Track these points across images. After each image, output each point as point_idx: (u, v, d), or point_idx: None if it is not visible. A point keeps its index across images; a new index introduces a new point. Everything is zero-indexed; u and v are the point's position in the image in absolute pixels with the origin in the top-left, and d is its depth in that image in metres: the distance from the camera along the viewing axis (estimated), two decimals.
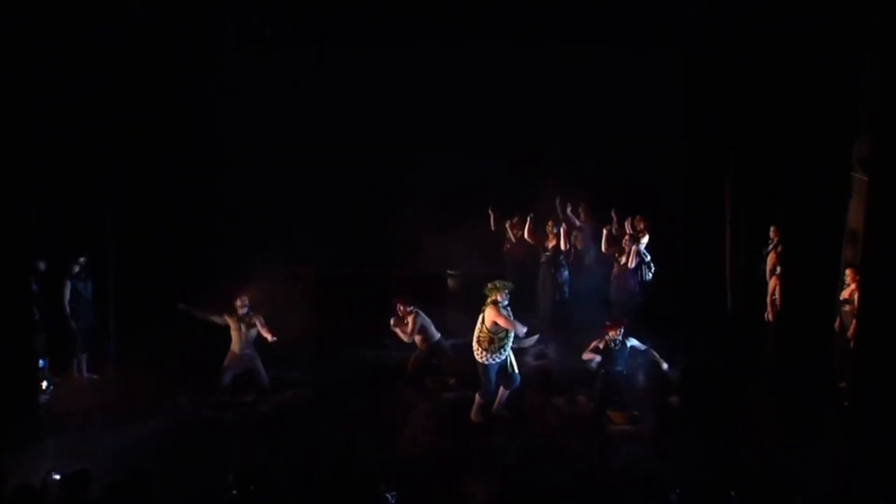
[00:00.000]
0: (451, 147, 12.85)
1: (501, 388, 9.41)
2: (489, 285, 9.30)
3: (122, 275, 10.90)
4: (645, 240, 11.72)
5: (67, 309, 10.31)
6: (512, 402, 9.53)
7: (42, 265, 10.05)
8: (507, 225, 12.88)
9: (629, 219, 11.87)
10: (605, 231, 12.10)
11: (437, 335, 10.75)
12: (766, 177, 10.29)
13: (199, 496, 5.90)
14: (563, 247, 12.23)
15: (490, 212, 12.96)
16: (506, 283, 9.34)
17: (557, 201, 12.66)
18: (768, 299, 10.19)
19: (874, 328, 7.63)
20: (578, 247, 12.67)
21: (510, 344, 9.31)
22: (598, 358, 9.60)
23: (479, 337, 9.28)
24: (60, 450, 8.42)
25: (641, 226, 11.81)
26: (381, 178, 13.45)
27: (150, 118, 11.19)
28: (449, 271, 13.35)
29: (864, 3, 7.89)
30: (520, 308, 9.81)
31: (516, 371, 9.40)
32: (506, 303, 9.24)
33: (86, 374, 10.60)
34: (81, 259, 10.41)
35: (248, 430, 9.47)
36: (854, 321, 8.63)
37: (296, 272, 12.73)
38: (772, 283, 10.12)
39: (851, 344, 8.65)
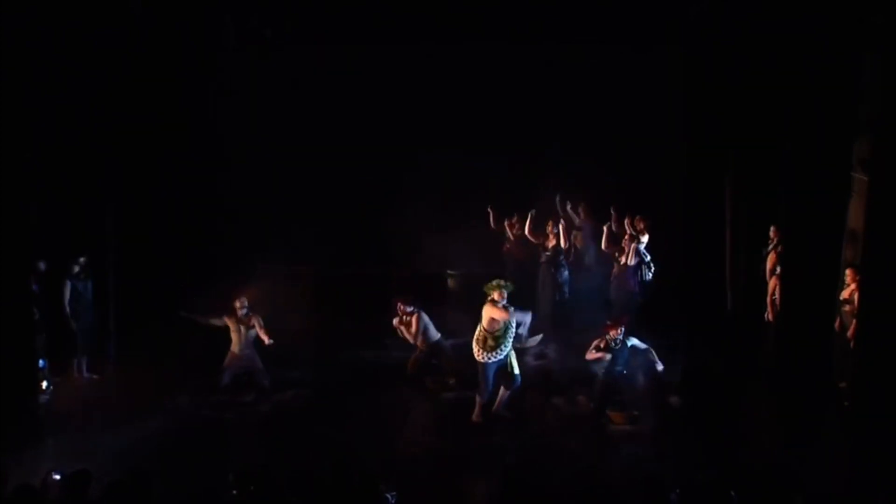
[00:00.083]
0: (451, 147, 12.84)
1: (502, 389, 9.42)
2: (489, 284, 9.33)
3: (122, 275, 10.90)
4: (645, 239, 11.71)
5: (67, 309, 10.32)
6: (512, 402, 9.54)
7: (42, 265, 10.06)
8: (505, 224, 12.89)
9: (628, 216, 11.87)
10: (605, 229, 12.09)
11: (437, 335, 10.75)
12: (766, 177, 10.29)
13: (199, 496, 5.89)
14: (562, 244, 12.22)
15: (489, 210, 12.97)
16: (506, 283, 9.36)
17: (557, 198, 12.67)
18: (768, 299, 10.19)
19: (874, 328, 7.63)
20: (578, 246, 12.67)
21: (509, 343, 9.31)
22: (607, 356, 9.56)
23: (477, 336, 9.35)
24: (60, 450, 8.42)
25: (641, 226, 11.81)
26: (381, 178, 13.44)
27: (150, 118, 11.19)
28: (449, 271, 13.35)
29: (864, 3, 7.89)
30: (520, 308, 9.80)
31: (516, 371, 9.41)
32: (504, 302, 9.26)
33: (86, 374, 10.60)
34: (81, 259, 10.42)
35: (248, 430, 9.48)
36: (854, 321, 8.63)
37: (296, 272, 12.72)
38: (772, 283, 10.12)
39: (851, 344, 8.65)
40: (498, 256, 12.88)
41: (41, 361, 9.74)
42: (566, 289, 12.38)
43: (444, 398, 10.16)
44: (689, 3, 11.01)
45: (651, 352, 9.67)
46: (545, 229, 12.41)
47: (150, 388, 9.90)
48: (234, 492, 6.06)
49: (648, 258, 11.72)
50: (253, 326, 10.25)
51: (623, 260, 11.70)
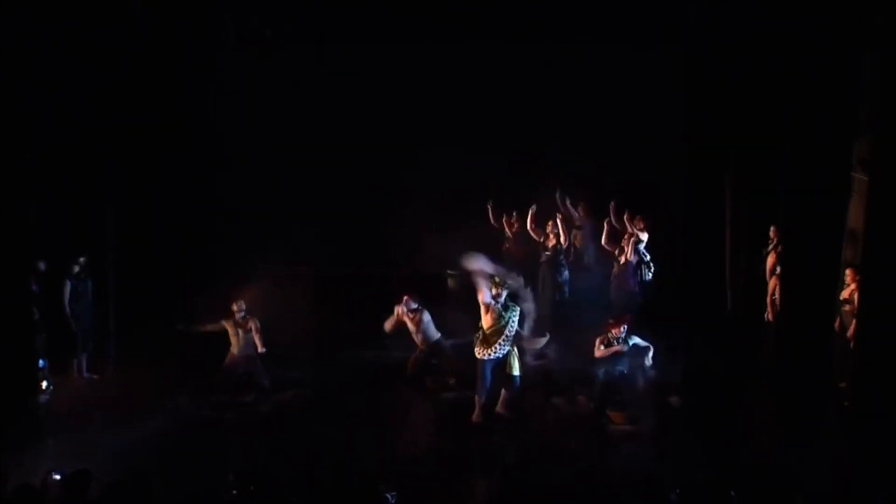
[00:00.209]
0: (451, 147, 12.84)
1: (503, 390, 9.43)
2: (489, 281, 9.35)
3: (122, 275, 10.91)
4: (644, 237, 11.71)
5: (67, 309, 10.31)
6: (512, 402, 9.53)
7: (42, 265, 10.05)
8: (504, 221, 12.91)
9: (628, 213, 11.88)
10: (605, 225, 12.08)
11: (437, 335, 10.75)
12: (766, 177, 10.30)
13: (199, 496, 5.89)
14: (562, 240, 12.23)
15: (489, 207, 12.98)
16: (503, 280, 9.37)
17: (557, 194, 12.70)
18: (768, 299, 10.19)
19: (874, 328, 7.63)
20: (578, 245, 12.68)
21: (507, 342, 9.31)
22: (624, 347, 9.48)
23: (477, 333, 9.39)
24: (60, 450, 8.41)
25: (641, 225, 11.81)
26: (381, 178, 13.43)
27: (150, 118, 11.20)
28: (449, 271, 13.32)
29: (864, 3, 7.89)
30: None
31: (515, 373, 9.40)
32: (502, 299, 9.28)
33: (86, 374, 10.61)
34: (81, 259, 10.41)
35: (248, 430, 9.48)
36: (854, 321, 8.62)
37: (296, 272, 12.71)
38: (772, 283, 10.12)
39: (851, 344, 8.64)
40: (498, 257, 12.88)
41: (41, 361, 9.73)
42: (566, 289, 12.39)
43: (444, 398, 10.15)
44: (689, 3, 11.01)
45: (650, 349, 9.65)
46: (545, 228, 12.43)
47: (150, 388, 9.90)
48: (234, 492, 6.06)
49: (648, 258, 11.72)
50: (250, 330, 10.24)
51: (623, 259, 11.70)
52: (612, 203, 12.15)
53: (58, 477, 6.42)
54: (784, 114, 9.05)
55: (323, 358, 11.31)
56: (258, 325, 10.26)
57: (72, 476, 6.10)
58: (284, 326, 10.60)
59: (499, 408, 9.48)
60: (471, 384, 9.67)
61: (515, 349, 9.44)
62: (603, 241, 12.02)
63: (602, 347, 9.61)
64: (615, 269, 11.86)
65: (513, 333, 9.36)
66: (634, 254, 11.61)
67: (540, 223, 12.54)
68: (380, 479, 6.22)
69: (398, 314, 10.75)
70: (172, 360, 10.43)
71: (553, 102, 12.98)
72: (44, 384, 9.78)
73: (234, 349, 10.30)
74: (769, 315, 10.17)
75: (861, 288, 8.18)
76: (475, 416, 9.42)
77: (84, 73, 10.11)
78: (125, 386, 10.02)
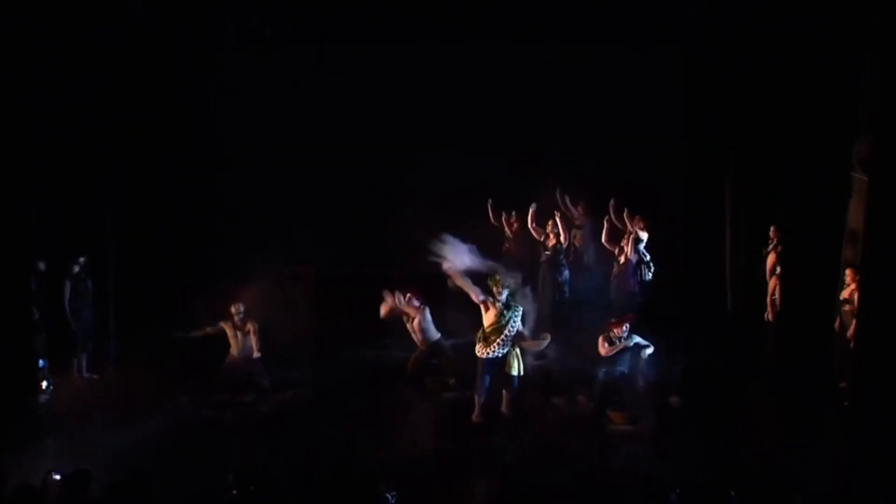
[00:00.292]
0: (451, 147, 12.82)
1: (504, 390, 9.43)
2: (489, 280, 9.39)
3: (122, 275, 10.91)
4: (644, 236, 11.71)
5: (67, 309, 10.31)
6: (512, 402, 9.53)
7: (42, 265, 10.05)
8: (503, 220, 12.92)
9: (626, 209, 11.88)
10: (605, 222, 12.07)
11: (437, 335, 10.75)
12: (766, 177, 10.30)
13: (199, 496, 5.89)
14: (562, 239, 12.23)
15: (489, 206, 12.99)
16: (502, 278, 9.38)
17: (557, 192, 12.71)
18: (768, 299, 10.18)
19: (874, 328, 7.64)
20: (577, 245, 12.68)
21: (506, 342, 9.31)
22: (629, 344, 9.47)
23: (479, 332, 9.41)
24: (60, 450, 8.43)
25: (641, 224, 11.81)
26: (381, 178, 13.42)
27: (150, 118, 11.20)
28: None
29: (864, 3, 7.89)
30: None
31: (514, 373, 9.39)
32: (503, 298, 9.29)
33: (86, 374, 10.61)
34: (81, 259, 10.41)
35: (248, 430, 9.48)
36: (854, 321, 8.63)
37: (296, 272, 12.69)
38: (772, 283, 10.12)
39: (851, 344, 8.65)
40: (498, 256, 12.88)
41: (41, 361, 9.74)
42: (566, 289, 12.38)
43: (444, 398, 10.15)
44: (689, 3, 11.01)
45: (649, 347, 9.61)
46: (546, 228, 12.43)
47: (150, 388, 9.91)
48: (234, 492, 6.06)
49: (648, 258, 11.71)
50: (249, 332, 10.24)
51: (623, 259, 11.69)
52: (612, 201, 12.15)
53: (58, 477, 6.42)
54: (784, 114, 9.05)
55: (323, 358, 11.30)
56: (256, 327, 10.25)
57: (72, 476, 6.11)
58: (284, 326, 10.61)
59: (503, 408, 9.48)
60: (471, 384, 9.67)
61: (517, 349, 9.44)
62: (603, 239, 12.00)
63: (606, 345, 9.59)
64: (615, 269, 11.86)
65: (514, 333, 9.36)
66: (634, 253, 11.60)
67: (540, 222, 12.54)
68: (380, 479, 6.23)
69: (393, 302, 10.72)
70: (172, 360, 10.43)
71: (553, 102, 12.97)
72: (44, 384, 9.78)
73: (234, 351, 10.29)
74: (769, 315, 10.17)
75: (861, 288, 8.19)
76: (475, 415, 9.43)
77: (84, 73, 10.11)
78: (125, 386, 10.03)
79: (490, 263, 9.82)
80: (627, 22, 11.40)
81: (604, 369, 9.58)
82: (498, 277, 9.39)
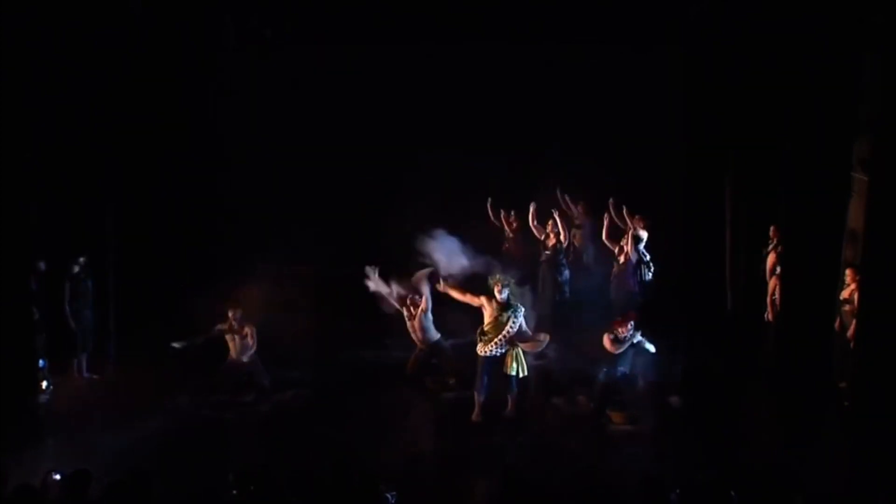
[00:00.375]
0: (451, 147, 12.83)
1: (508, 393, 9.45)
2: (489, 279, 9.40)
3: (122, 275, 10.91)
4: (644, 236, 11.71)
5: (67, 309, 10.32)
6: (513, 402, 9.53)
7: (42, 265, 10.05)
8: (503, 219, 12.92)
9: (625, 208, 11.87)
10: (605, 221, 12.07)
11: (437, 335, 10.75)
12: (766, 177, 10.30)
13: (199, 496, 5.90)
14: (562, 238, 12.23)
15: (488, 205, 12.98)
16: (504, 278, 9.39)
17: (558, 192, 12.73)
18: (768, 299, 10.18)
19: (874, 328, 7.64)
20: (577, 245, 12.68)
21: (507, 341, 9.30)
22: (635, 339, 9.45)
23: (479, 331, 9.44)
24: (60, 450, 8.43)
25: (641, 224, 11.81)
26: (381, 178, 13.44)
27: (150, 118, 11.20)
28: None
29: (864, 3, 7.89)
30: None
31: (512, 373, 9.38)
32: (504, 296, 9.30)
33: (86, 374, 10.61)
34: (81, 259, 10.41)
35: (248, 430, 9.48)
36: (854, 321, 8.63)
37: (296, 272, 12.70)
38: (772, 283, 10.12)
39: (851, 344, 8.65)
40: (498, 256, 12.88)
41: (41, 361, 9.75)
42: (566, 289, 12.39)
43: (444, 398, 10.15)
44: (689, 3, 11.01)
45: (652, 345, 9.59)
46: (546, 227, 12.43)
47: (150, 388, 9.91)
48: (234, 492, 6.07)
49: (648, 257, 11.71)
50: (246, 335, 10.23)
51: (623, 258, 11.69)
52: (612, 199, 12.15)
53: (58, 477, 6.43)
54: (784, 114, 9.05)
55: (323, 358, 11.30)
56: (254, 331, 10.24)
57: (72, 476, 6.11)
58: (284, 326, 10.59)
59: (508, 409, 9.48)
60: (471, 384, 9.67)
61: (519, 349, 9.43)
62: (603, 237, 12.01)
63: (614, 344, 9.53)
64: (615, 269, 11.86)
65: (514, 332, 9.35)
66: (634, 252, 11.60)
67: (540, 221, 12.55)
68: (380, 479, 6.23)
69: (391, 294, 10.71)
70: (172, 360, 10.41)
71: (553, 102, 12.98)
72: (44, 384, 9.79)
73: (233, 353, 10.30)
74: (769, 315, 10.17)
75: (861, 288, 8.19)
76: (475, 415, 9.43)
77: (84, 73, 10.11)
78: (125, 386, 10.02)
79: (489, 261, 9.80)
80: (627, 22, 11.40)
81: (604, 369, 9.57)
82: (498, 276, 9.39)
